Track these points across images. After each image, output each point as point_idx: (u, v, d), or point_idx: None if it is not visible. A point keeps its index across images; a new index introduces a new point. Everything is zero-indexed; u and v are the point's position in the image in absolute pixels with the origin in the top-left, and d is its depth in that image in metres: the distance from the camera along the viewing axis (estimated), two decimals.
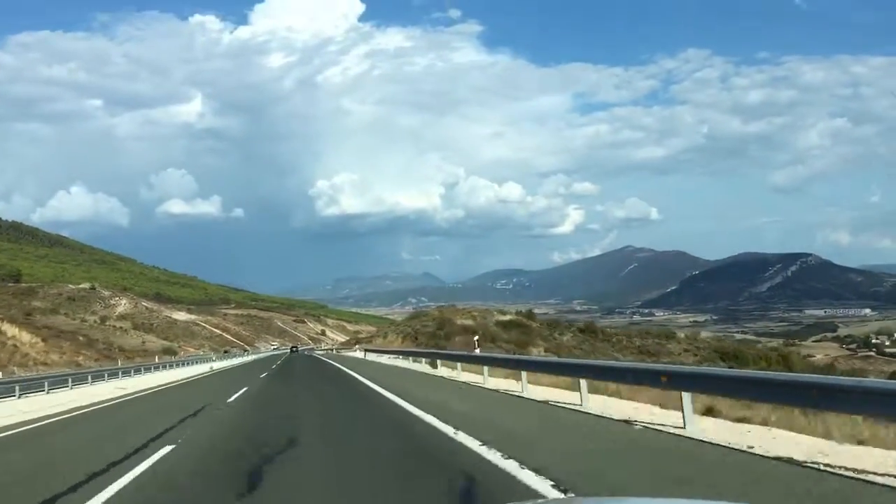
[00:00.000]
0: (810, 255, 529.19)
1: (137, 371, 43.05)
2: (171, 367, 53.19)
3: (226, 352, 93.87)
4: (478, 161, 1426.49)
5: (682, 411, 9.80)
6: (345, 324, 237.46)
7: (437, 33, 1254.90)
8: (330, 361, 49.97)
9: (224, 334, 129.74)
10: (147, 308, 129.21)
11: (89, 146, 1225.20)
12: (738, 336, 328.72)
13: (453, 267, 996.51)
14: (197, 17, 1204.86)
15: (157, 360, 61.62)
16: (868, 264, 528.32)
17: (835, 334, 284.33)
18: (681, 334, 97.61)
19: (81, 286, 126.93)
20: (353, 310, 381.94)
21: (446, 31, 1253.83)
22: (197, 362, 60.98)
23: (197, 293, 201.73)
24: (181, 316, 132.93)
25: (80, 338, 76.27)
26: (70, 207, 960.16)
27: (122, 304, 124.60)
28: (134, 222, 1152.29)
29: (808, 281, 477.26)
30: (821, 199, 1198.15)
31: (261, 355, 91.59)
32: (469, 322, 78.01)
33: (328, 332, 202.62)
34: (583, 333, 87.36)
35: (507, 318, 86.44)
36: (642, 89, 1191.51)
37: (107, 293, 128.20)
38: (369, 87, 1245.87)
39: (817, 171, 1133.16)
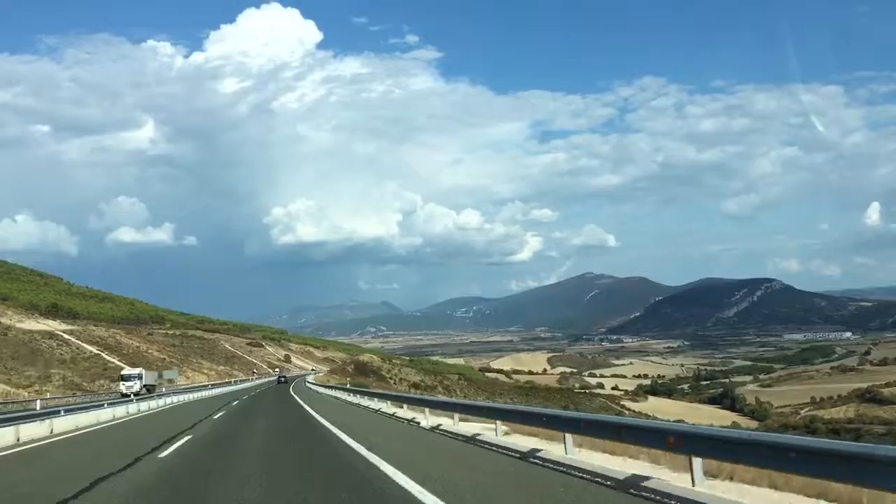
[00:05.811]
0: (773, 280, 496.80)
1: None
2: None
3: None
4: (436, 188, 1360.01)
5: None
6: (311, 349, 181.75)
7: (393, 59, 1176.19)
8: None
9: (104, 355, 70.80)
10: None
11: (36, 173, 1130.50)
12: (739, 363, 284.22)
13: (411, 295, 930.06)
14: (150, 42, 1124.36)
15: None
16: (819, 290, 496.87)
17: (841, 359, 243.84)
18: None
19: None
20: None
21: (404, 58, 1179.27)
22: None
23: (121, 310, 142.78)
24: (30, 325, 73.51)
25: None
26: (15, 236, 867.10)
27: None
28: (83, 251, 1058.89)
29: (774, 306, 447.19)
30: (772, 226, 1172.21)
31: None
32: None
33: (294, 359, 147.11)
34: None
35: None
36: (599, 117, 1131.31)
37: None
38: (326, 113, 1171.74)
39: (769, 199, 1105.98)
